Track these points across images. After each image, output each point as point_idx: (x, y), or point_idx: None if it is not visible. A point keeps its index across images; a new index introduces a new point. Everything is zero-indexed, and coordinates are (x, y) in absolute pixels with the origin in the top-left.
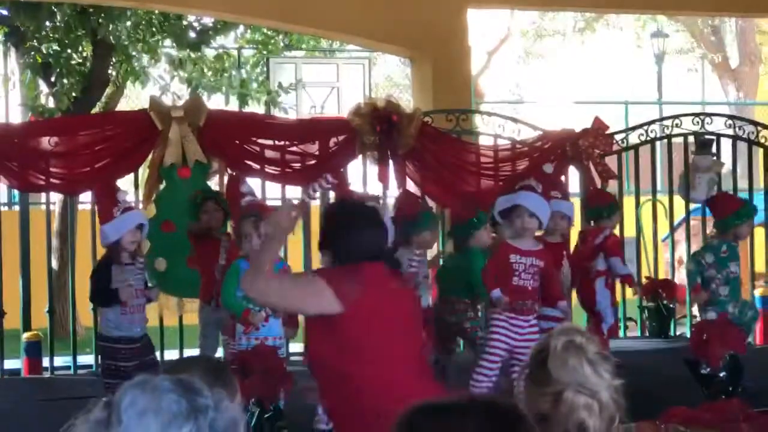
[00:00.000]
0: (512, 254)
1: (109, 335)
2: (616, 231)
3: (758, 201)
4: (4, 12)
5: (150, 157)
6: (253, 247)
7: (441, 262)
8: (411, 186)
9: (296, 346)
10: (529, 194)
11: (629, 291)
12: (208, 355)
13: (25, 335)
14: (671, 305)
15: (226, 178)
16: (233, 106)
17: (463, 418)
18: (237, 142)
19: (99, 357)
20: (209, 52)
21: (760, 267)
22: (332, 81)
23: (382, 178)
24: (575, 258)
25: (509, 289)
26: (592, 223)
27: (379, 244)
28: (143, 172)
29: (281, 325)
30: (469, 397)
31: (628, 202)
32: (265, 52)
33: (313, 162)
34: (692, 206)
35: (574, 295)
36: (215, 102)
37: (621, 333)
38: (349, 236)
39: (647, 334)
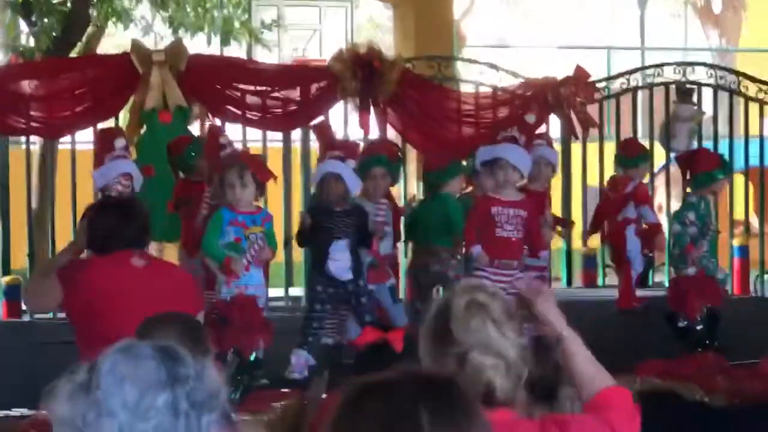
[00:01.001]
0: (493, 206)
1: None
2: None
3: (738, 149)
4: None
5: (131, 101)
6: (236, 195)
7: (411, 209)
8: (392, 132)
9: (276, 291)
10: (512, 146)
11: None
12: (181, 313)
13: (5, 279)
14: (650, 254)
15: (206, 123)
16: (215, 45)
17: (403, 393)
18: (218, 87)
19: None
20: None
21: (738, 215)
22: (315, 23)
23: (363, 124)
24: (604, 205)
25: (493, 240)
26: (621, 172)
27: (121, 234)
28: (124, 116)
29: (262, 274)
30: (408, 371)
31: (608, 150)
32: None
33: (294, 108)
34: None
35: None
36: (197, 42)
37: (599, 281)
38: (92, 230)
39: None
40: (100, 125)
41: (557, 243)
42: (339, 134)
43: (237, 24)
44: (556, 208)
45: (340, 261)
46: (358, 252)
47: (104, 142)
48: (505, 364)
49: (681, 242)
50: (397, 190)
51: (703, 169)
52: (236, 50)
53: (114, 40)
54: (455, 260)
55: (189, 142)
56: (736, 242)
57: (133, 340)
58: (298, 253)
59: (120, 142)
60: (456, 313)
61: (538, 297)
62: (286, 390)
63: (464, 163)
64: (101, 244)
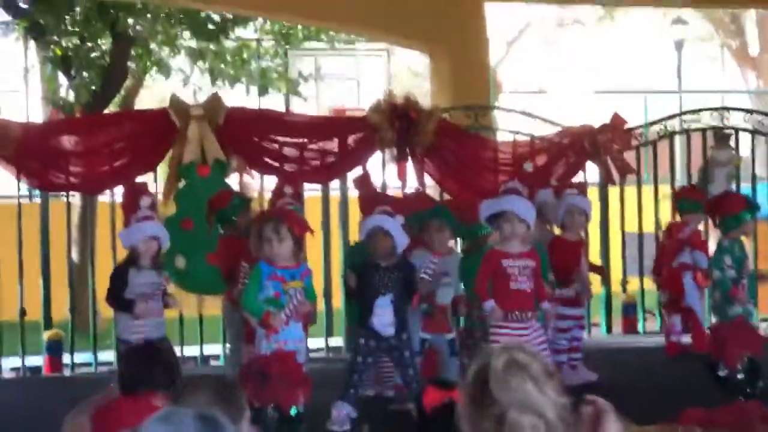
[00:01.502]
0: (503, 259)
1: (126, 339)
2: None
3: None
4: (25, 6)
5: (169, 155)
6: (273, 250)
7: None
8: (430, 183)
9: (316, 343)
10: (516, 198)
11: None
12: (216, 375)
13: (47, 334)
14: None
15: (245, 176)
16: (254, 96)
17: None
18: (256, 139)
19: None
20: (229, 44)
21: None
22: (352, 73)
23: (401, 174)
24: (661, 251)
25: (508, 294)
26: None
27: (148, 380)
28: (162, 169)
29: (302, 329)
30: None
31: (646, 194)
32: (284, 44)
33: (332, 159)
34: None
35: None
36: (236, 93)
37: (640, 327)
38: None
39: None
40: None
41: (597, 289)
42: (378, 185)
43: (275, 75)
44: (594, 255)
45: (383, 316)
46: (403, 306)
47: (130, 200)
48: (545, 424)
49: (723, 287)
50: None
51: (730, 212)
52: (274, 100)
53: (152, 92)
54: None
55: (230, 197)
56: None
57: (174, 408)
58: (338, 303)
59: (145, 201)
60: (495, 373)
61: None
62: None
63: None
64: (130, 390)
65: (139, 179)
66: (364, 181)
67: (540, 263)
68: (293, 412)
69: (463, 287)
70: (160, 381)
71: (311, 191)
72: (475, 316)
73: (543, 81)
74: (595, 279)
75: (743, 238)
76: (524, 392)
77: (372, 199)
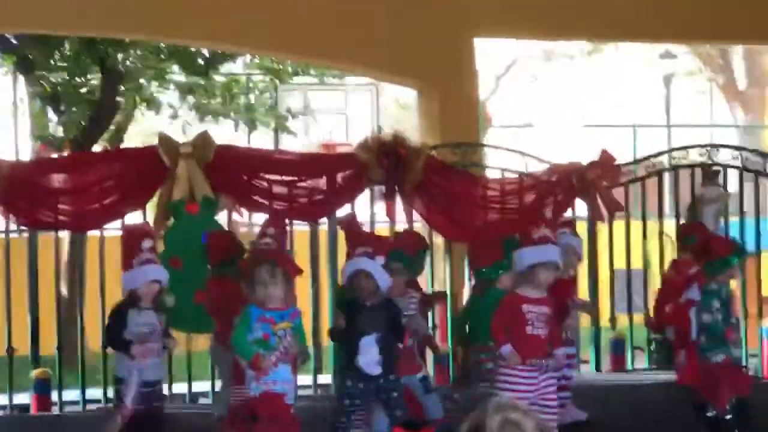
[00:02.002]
0: (524, 304)
1: (122, 377)
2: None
3: (765, 227)
4: (14, 41)
5: (158, 193)
6: (268, 292)
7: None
8: (418, 220)
9: (304, 379)
10: (553, 248)
11: (637, 320)
12: None
13: (35, 372)
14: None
15: (234, 214)
16: (242, 131)
17: None
18: (245, 177)
19: (107, 391)
20: (218, 79)
21: (766, 291)
22: (341, 107)
23: (389, 212)
24: (666, 286)
25: (524, 338)
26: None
27: None
28: (151, 208)
29: (291, 370)
30: None
31: (635, 231)
32: (273, 78)
33: (320, 197)
34: None
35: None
36: (225, 128)
37: (629, 365)
38: None
39: (654, 365)
40: (126, 221)
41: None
42: (365, 224)
43: (263, 110)
44: (583, 291)
45: (369, 355)
46: (390, 346)
47: (131, 243)
48: None
49: (712, 331)
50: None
51: (717, 256)
52: (263, 135)
53: (141, 127)
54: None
55: (237, 249)
56: (766, 323)
57: None
58: (327, 341)
59: (147, 243)
60: None
61: None
62: None
63: None
64: None
65: (130, 218)
66: (350, 223)
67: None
68: None
69: (468, 328)
70: None
71: (299, 226)
72: (473, 359)
73: (532, 115)
74: (584, 316)
75: (731, 281)
76: None
77: (359, 241)
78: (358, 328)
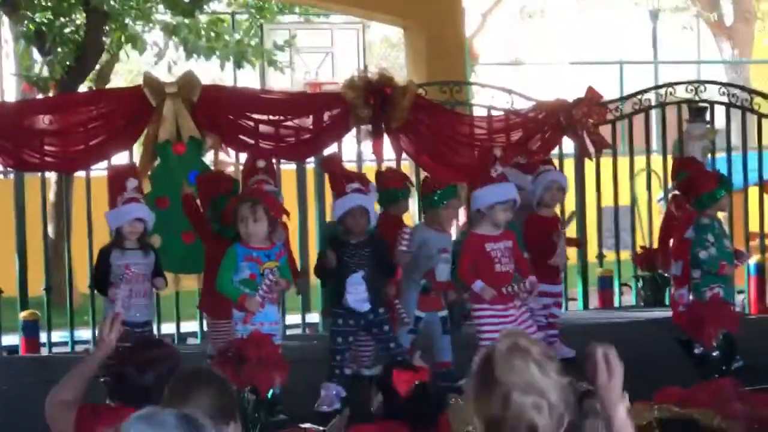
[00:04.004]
0: (486, 243)
1: None
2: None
3: (752, 162)
4: None
5: (144, 133)
6: (248, 229)
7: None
8: (405, 158)
9: (293, 318)
10: (511, 186)
11: (624, 257)
12: (218, 376)
13: (23, 314)
14: (665, 274)
15: (220, 154)
16: (229, 70)
17: None
18: (231, 117)
19: (95, 332)
20: (203, 18)
21: (753, 226)
22: (326, 46)
23: (377, 151)
24: (669, 223)
25: (493, 276)
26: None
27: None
28: (138, 148)
29: (278, 311)
30: None
31: (623, 167)
32: (258, 17)
33: (307, 136)
34: None
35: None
36: (211, 66)
37: (616, 302)
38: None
39: (642, 303)
40: (113, 161)
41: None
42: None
43: (249, 47)
44: (571, 229)
45: (356, 293)
46: (378, 282)
47: (116, 182)
48: (548, 404)
49: (713, 266)
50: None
51: (704, 191)
52: (250, 73)
53: (127, 67)
54: None
55: (231, 184)
56: (752, 260)
57: (156, 408)
58: (315, 279)
59: (132, 183)
60: (499, 356)
61: (608, 374)
62: (305, 426)
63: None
64: (123, 397)
65: (117, 159)
66: (331, 162)
67: (516, 242)
68: (270, 394)
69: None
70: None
71: (286, 164)
72: (455, 298)
73: (518, 52)
74: (571, 252)
75: (720, 214)
76: (527, 374)
77: (342, 179)
78: (344, 266)
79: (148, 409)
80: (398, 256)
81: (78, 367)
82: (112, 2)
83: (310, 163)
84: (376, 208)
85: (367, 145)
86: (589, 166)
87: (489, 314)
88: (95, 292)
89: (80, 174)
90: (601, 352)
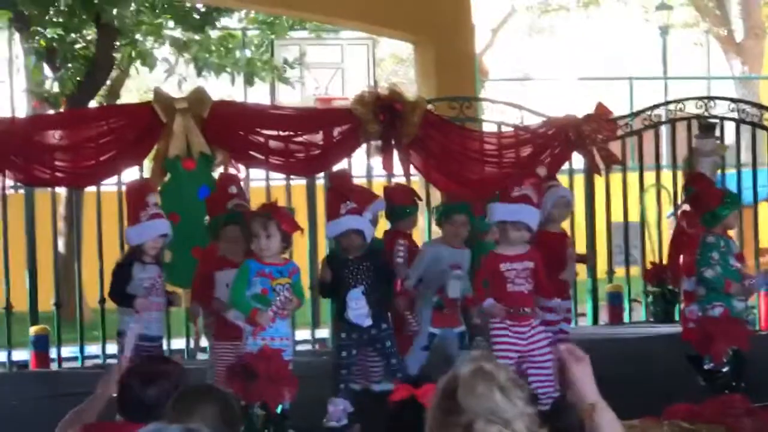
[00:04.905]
0: (502, 263)
1: (124, 331)
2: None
3: (761, 178)
4: None
5: (154, 149)
6: (261, 246)
7: None
8: (415, 174)
9: (302, 334)
10: (527, 208)
11: (634, 273)
12: (221, 391)
13: (33, 329)
14: (675, 290)
15: (230, 169)
16: (239, 85)
17: None
18: (241, 133)
19: (105, 348)
20: (213, 34)
21: (765, 242)
22: (336, 62)
23: (386, 166)
24: (679, 238)
25: (505, 296)
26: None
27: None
28: (148, 164)
29: (289, 325)
30: None
31: (632, 183)
32: (269, 33)
33: (317, 152)
34: None
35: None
36: (221, 82)
37: (626, 317)
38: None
39: (651, 318)
40: (130, 178)
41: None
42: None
43: (259, 63)
44: (580, 245)
45: (357, 308)
46: (379, 296)
47: (136, 198)
48: None
49: (719, 284)
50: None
51: (707, 209)
52: (260, 90)
53: (137, 82)
54: None
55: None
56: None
57: (161, 424)
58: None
59: (152, 198)
60: (462, 381)
61: (575, 362)
62: None
63: None
64: (127, 412)
65: (127, 174)
66: (341, 179)
67: (541, 262)
68: (279, 409)
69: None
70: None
71: (296, 180)
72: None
73: (528, 67)
74: (581, 269)
75: (730, 231)
76: (491, 400)
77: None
78: (343, 282)
79: (154, 425)
80: (396, 267)
81: (80, 408)
82: (123, 18)
83: (320, 179)
84: (384, 224)
85: (377, 161)
86: (599, 181)
87: (501, 332)
88: (104, 307)
89: (91, 189)
90: (564, 347)
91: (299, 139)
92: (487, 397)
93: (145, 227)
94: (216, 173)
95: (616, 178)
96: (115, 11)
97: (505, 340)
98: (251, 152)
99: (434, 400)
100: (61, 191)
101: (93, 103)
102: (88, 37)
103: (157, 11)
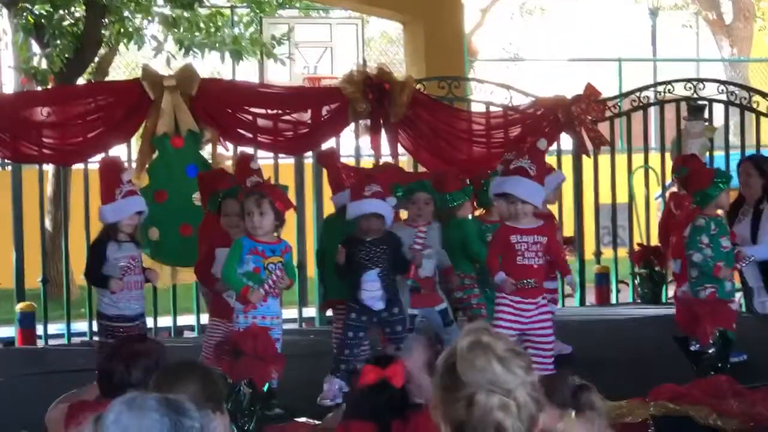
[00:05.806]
0: (512, 235)
1: (104, 312)
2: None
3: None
4: None
5: (143, 126)
6: (254, 223)
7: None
8: (403, 153)
9: (289, 313)
10: (520, 181)
11: (620, 254)
12: (204, 366)
13: (19, 306)
14: (663, 271)
15: (218, 147)
16: (228, 63)
17: None
18: (229, 110)
19: (92, 325)
20: (202, 12)
21: None
22: (326, 40)
23: (375, 146)
24: (667, 220)
25: (514, 268)
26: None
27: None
28: (136, 141)
29: (279, 304)
30: None
31: (621, 165)
32: (258, 11)
33: (305, 130)
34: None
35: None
36: (210, 60)
37: (613, 298)
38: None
39: (638, 300)
40: (110, 154)
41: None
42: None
43: (246, 40)
44: (568, 226)
45: (371, 290)
46: (394, 280)
47: (112, 175)
48: (516, 404)
49: (707, 268)
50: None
51: (698, 189)
52: (249, 67)
53: (125, 60)
54: (479, 288)
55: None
56: None
57: (138, 392)
58: (312, 273)
59: (127, 175)
60: (461, 355)
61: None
62: (301, 420)
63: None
64: (108, 390)
65: (112, 151)
66: (329, 158)
67: (554, 237)
68: (266, 387)
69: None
70: (140, 387)
71: (284, 159)
72: (455, 286)
73: (517, 48)
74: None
75: (720, 211)
76: (491, 372)
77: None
78: (359, 263)
79: (131, 393)
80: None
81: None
82: None
83: (308, 158)
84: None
85: (365, 140)
86: (587, 163)
87: (505, 305)
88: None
89: (78, 166)
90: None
91: (288, 117)
92: (486, 369)
93: (121, 205)
94: (204, 151)
95: (604, 159)
96: None
97: (507, 317)
98: (239, 130)
99: (436, 376)
100: (48, 168)
101: (81, 80)
102: (77, 14)
103: None
